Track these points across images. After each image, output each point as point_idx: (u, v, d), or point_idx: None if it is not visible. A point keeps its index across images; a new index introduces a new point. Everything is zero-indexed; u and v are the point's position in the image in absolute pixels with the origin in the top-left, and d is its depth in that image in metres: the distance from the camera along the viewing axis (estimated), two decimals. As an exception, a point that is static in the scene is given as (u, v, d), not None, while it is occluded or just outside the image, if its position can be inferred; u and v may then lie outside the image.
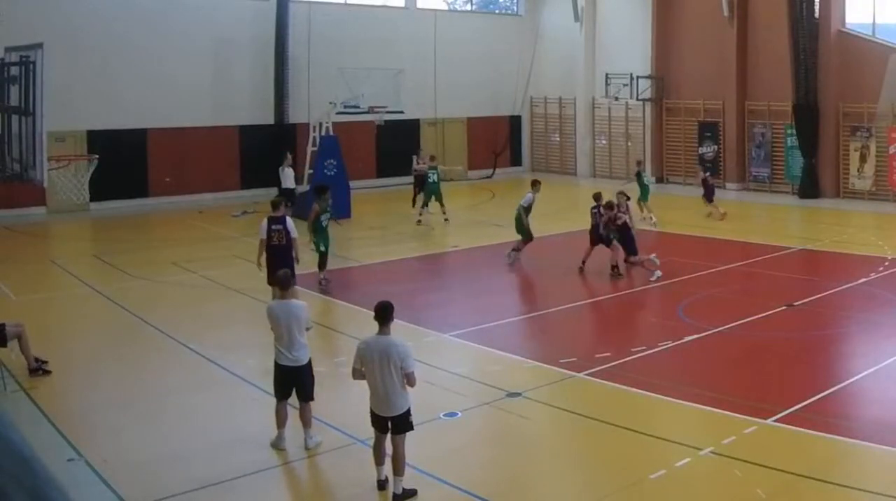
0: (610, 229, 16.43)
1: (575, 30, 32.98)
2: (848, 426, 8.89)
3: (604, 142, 33.44)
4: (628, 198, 17.12)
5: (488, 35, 33.87)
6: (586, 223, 17.47)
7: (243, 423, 9.36)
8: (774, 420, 8.94)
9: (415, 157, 24.88)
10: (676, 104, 30.76)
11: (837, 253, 18.70)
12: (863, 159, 25.99)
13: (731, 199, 26.64)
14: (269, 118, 28.26)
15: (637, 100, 30.98)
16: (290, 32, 28.08)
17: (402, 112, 25.50)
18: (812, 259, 18.78)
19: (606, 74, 31.67)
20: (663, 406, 9.74)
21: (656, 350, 11.64)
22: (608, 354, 11.34)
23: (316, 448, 8.55)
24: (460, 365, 11.23)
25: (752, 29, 28.38)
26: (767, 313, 13.53)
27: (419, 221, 22.84)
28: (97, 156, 17.12)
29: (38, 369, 10.80)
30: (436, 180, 22.79)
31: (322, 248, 15.71)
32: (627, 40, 31.64)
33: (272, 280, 12.22)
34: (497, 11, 36.56)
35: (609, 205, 16.53)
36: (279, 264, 11.83)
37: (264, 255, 12.99)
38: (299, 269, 13.09)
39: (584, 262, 16.68)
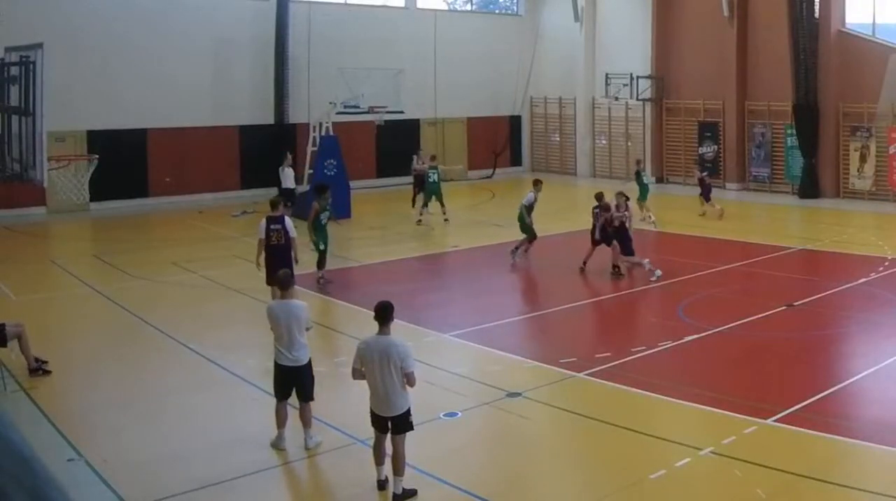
0: (608, 229, 16.44)
1: (575, 30, 32.98)
2: (848, 426, 8.89)
3: (604, 142, 33.45)
4: (627, 199, 17.13)
5: (488, 35, 33.88)
6: (586, 223, 17.48)
7: (243, 423, 9.36)
8: (774, 421, 8.94)
9: (415, 157, 24.88)
10: (676, 104, 30.76)
11: (837, 253, 18.71)
12: (863, 159, 26.00)
13: (732, 199, 26.65)
14: (269, 118, 28.27)
15: (637, 100, 30.98)
16: (290, 32, 28.09)
17: (402, 112, 25.51)
18: (812, 259, 18.78)
19: (606, 74, 31.68)
20: (663, 406, 9.74)
21: (656, 350, 11.64)
22: (608, 354, 11.34)
23: (316, 448, 8.55)
24: (460, 365, 11.22)
25: (752, 29, 28.38)
26: (767, 313, 13.53)
27: (419, 221, 22.84)
28: (97, 156, 17.11)
29: (38, 369, 10.81)
30: (436, 180, 22.80)
31: (321, 247, 15.72)
32: (627, 40, 31.64)
33: (271, 280, 12.23)
34: (497, 11, 36.57)
35: (605, 207, 16.53)
36: (278, 264, 11.83)
37: (263, 255, 13.00)
38: (298, 269, 13.07)
39: (584, 263, 16.68)
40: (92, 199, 22.24)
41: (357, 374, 7.65)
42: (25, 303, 14.63)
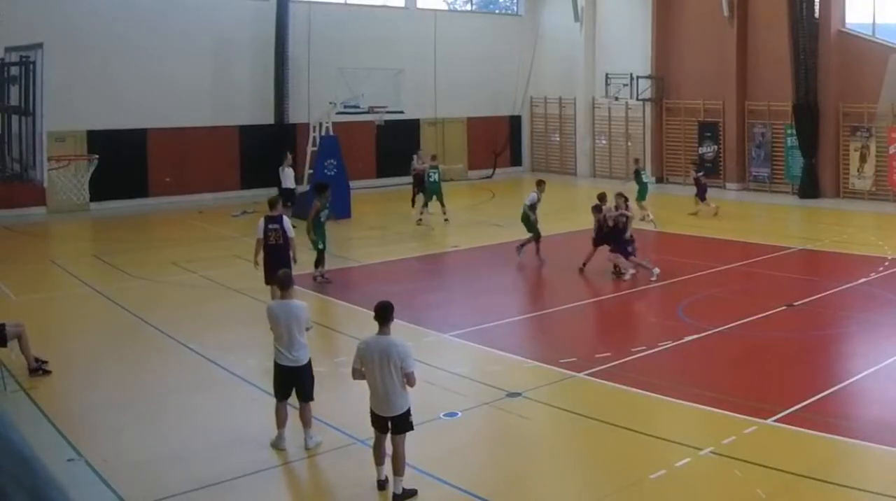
0: (603, 230, 16.46)
1: (575, 30, 32.98)
2: (848, 426, 8.89)
3: (604, 142, 33.45)
4: (626, 199, 17.13)
5: (488, 35, 33.88)
6: (586, 223, 17.47)
7: (243, 423, 9.36)
8: (774, 421, 8.94)
9: (415, 157, 24.87)
10: (676, 104, 30.75)
11: (837, 253, 18.71)
12: (863, 159, 26.00)
13: (731, 199, 26.66)
14: (269, 118, 28.27)
15: (637, 100, 30.98)
16: (290, 32, 28.09)
17: (402, 112, 25.51)
18: (812, 259, 18.78)
19: (606, 74, 31.67)
20: (663, 406, 9.74)
21: (656, 350, 11.64)
22: (608, 354, 11.34)
23: (316, 448, 8.55)
24: (460, 365, 11.22)
25: (752, 29, 28.38)
26: (767, 313, 13.53)
27: (419, 221, 22.83)
28: (97, 156, 17.11)
29: (38, 369, 10.81)
30: (437, 180, 22.80)
31: (320, 246, 15.73)
32: (627, 40, 31.64)
33: (270, 279, 12.23)
34: (497, 11, 36.57)
35: (597, 208, 16.55)
36: (276, 264, 11.83)
37: (261, 254, 13.00)
38: (297, 269, 13.07)
39: (584, 264, 16.67)
40: (92, 199, 22.24)
41: (357, 374, 7.65)
42: (25, 303, 14.63)
